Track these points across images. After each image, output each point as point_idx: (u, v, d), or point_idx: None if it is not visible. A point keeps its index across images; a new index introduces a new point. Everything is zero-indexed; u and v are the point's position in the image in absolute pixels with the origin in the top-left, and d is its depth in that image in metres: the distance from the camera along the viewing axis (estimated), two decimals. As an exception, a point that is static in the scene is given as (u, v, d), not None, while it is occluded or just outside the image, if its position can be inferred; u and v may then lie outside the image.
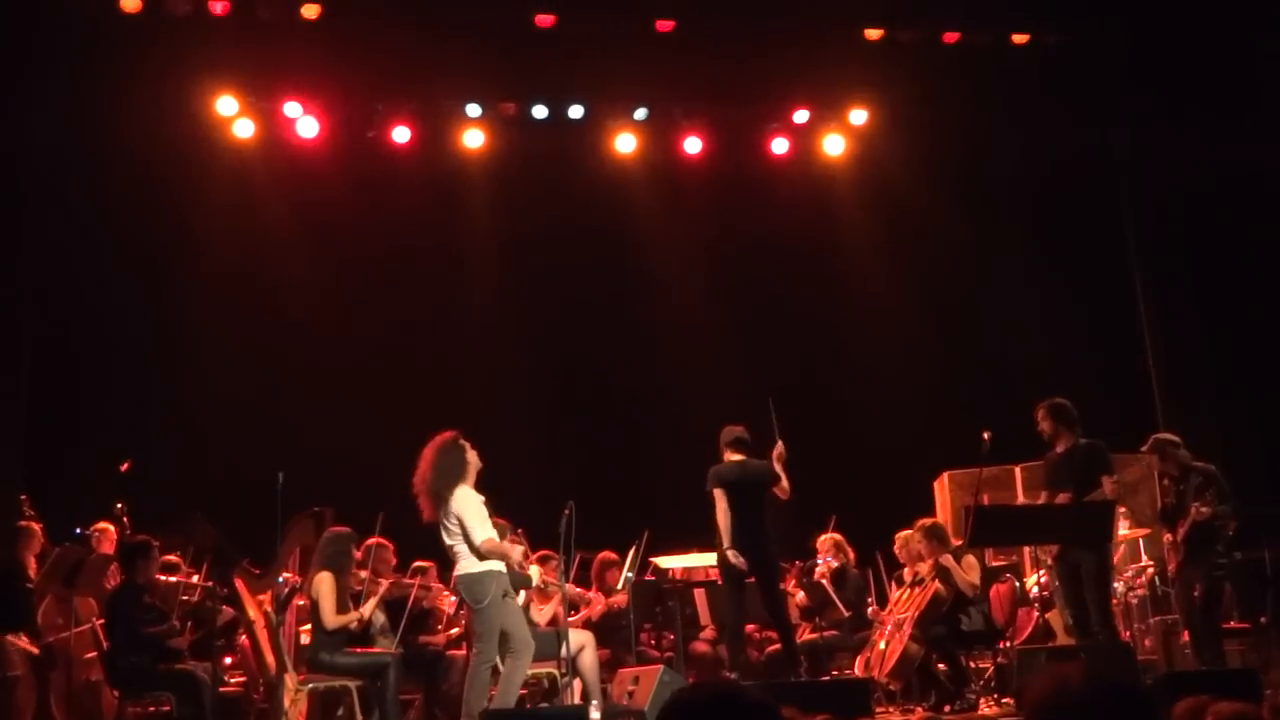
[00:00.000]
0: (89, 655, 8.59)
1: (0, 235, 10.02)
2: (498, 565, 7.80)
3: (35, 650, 8.28)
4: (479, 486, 7.92)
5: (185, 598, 8.78)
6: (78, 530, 9.25)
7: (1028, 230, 12.36)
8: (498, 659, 7.84)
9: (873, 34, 11.71)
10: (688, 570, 9.95)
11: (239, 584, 8.72)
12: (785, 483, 8.97)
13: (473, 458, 7.93)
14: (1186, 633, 9.07)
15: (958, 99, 11.90)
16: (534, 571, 8.81)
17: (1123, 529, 9.70)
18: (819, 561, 10.06)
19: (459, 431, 7.97)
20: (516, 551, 8.08)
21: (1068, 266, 12.12)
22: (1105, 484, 8.57)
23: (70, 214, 10.93)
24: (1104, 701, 2.34)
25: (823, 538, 10.16)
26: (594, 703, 8.44)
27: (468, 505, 7.75)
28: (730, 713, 2.26)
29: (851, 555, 10.12)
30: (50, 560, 8.54)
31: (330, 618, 8.37)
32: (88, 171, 10.96)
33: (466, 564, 7.81)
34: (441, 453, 7.86)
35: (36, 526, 8.62)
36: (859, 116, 12.67)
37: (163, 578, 8.83)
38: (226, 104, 11.65)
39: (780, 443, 9.02)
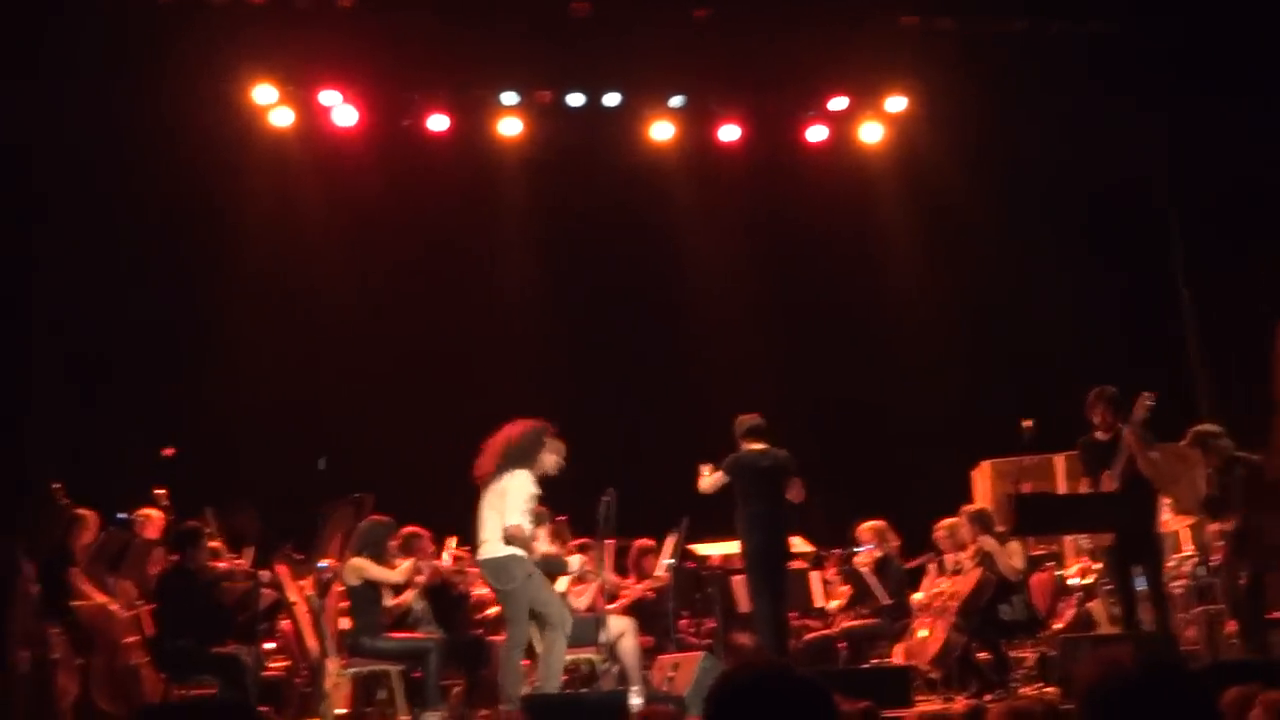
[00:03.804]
0: (130, 639, 8.66)
1: (39, 224, 10.10)
2: (520, 550, 7.87)
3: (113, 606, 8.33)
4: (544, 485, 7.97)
5: (228, 584, 8.84)
6: (120, 515, 9.31)
7: (1068, 218, 12.25)
8: (533, 639, 7.90)
9: (910, 20, 11.63)
10: (726, 557, 9.95)
11: (281, 569, 8.79)
12: (798, 482, 9.01)
13: (551, 454, 7.97)
14: (1232, 623, 9.00)
15: (996, 86, 11.81)
16: (574, 560, 8.84)
17: (1165, 519, 9.63)
18: (859, 549, 10.04)
19: (552, 426, 7.99)
20: (540, 546, 8.14)
21: (1108, 254, 12.01)
22: (1124, 434, 8.47)
23: (108, 202, 11.00)
24: (1157, 684, 2.32)
25: (864, 525, 10.13)
26: (634, 688, 8.45)
27: (518, 488, 7.82)
28: (782, 692, 2.26)
29: (895, 543, 10.08)
30: (95, 545, 8.62)
31: (388, 575, 8.46)
32: (127, 159, 11.01)
33: (491, 548, 7.87)
34: (527, 434, 7.92)
35: (89, 514, 8.66)
36: (897, 104, 12.61)
37: (211, 564, 8.90)
38: (264, 92, 11.70)
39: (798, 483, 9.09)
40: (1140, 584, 8.96)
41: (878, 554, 9.93)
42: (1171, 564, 10.11)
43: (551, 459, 8.04)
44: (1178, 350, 11.64)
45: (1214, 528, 8.94)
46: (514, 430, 7.97)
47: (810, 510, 9.65)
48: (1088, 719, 2.34)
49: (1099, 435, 8.85)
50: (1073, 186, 12.17)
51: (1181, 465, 9.41)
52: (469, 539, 9.23)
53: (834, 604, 10.17)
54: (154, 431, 10.25)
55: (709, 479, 9.18)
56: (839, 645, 9.95)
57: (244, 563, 9.26)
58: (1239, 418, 10.21)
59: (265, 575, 8.92)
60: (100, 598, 8.55)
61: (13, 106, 9.22)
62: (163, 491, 9.39)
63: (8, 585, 7.74)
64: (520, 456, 7.90)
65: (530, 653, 8.16)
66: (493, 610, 9.44)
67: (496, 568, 7.85)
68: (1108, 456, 8.76)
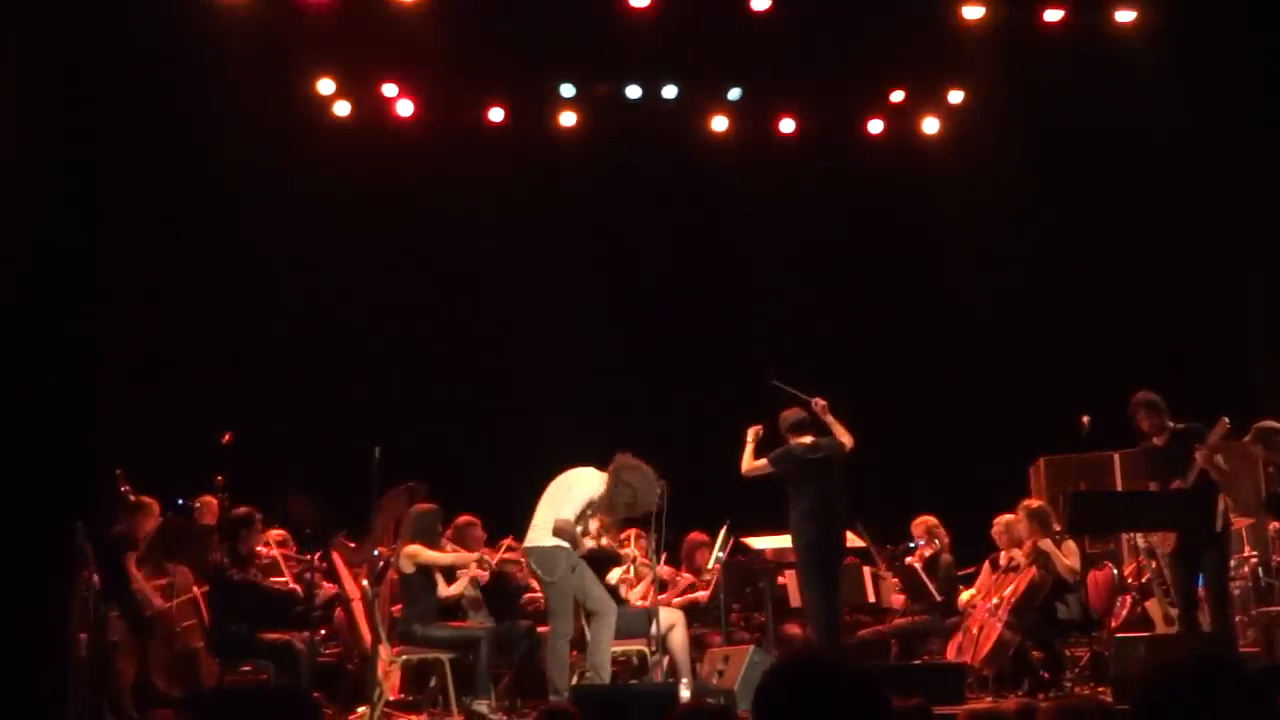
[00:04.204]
0: (188, 624, 8.77)
1: (103, 215, 10.22)
2: (566, 543, 7.93)
3: (154, 605, 8.43)
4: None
5: (286, 567, 8.93)
6: (180, 501, 9.44)
7: (1129, 213, 12.09)
8: (584, 627, 7.94)
9: (971, 13, 11.52)
10: (778, 551, 9.92)
11: (336, 557, 8.87)
12: (845, 435, 8.96)
13: (644, 498, 7.98)
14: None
15: (1057, 79, 11.69)
16: (626, 554, 8.90)
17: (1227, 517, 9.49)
18: (912, 545, 9.98)
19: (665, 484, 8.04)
20: (587, 542, 8.18)
21: (1170, 249, 11.84)
22: (1197, 457, 8.36)
23: (166, 194, 11.11)
24: (1214, 684, 2.29)
25: (916, 521, 10.07)
26: (684, 681, 8.45)
27: (584, 489, 7.88)
28: (831, 685, 2.25)
29: (945, 539, 10.01)
30: (155, 530, 8.73)
31: (439, 558, 8.56)
32: (187, 149, 11.13)
33: (538, 535, 7.94)
34: (640, 477, 7.93)
35: (151, 501, 8.77)
36: (956, 97, 12.50)
37: (263, 550, 8.99)
38: (324, 85, 11.80)
39: (817, 399, 8.96)
40: (1199, 583, 8.85)
41: (929, 551, 9.87)
42: (1231, 564, 9.98)
43: (632, 494, 8.06)
44: (1242, 342, 11.46)
45: (1275, 526, 8.81)
46: (628, 471, 7.98)
47: (864, 505, 9.60)
48: (1143, 718, 2.32)
49: (1155, 442, 8.73)
50: (1135, 180, 12.01)
51: (1243, 464, 9.28)
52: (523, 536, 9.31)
53: (895, 600, 10.12)
54: (213, 418, 10.37)
55: (750, 463, 9.16)
56: (891, 642, 9.90)
57: (308, 557, 9.33)
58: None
59: (321, 564, 8.99)
60: (158, 583, 8.67)
61: (79, 105, 9.34)
62: (221, 479, 9.50)
63: (70, 570, 7.86)
64: (617, 488, 7.95)
65: (580, 644, 8.19)
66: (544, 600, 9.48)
67: (542, 557, 7.92)
68: (1170, 461, 8.65)
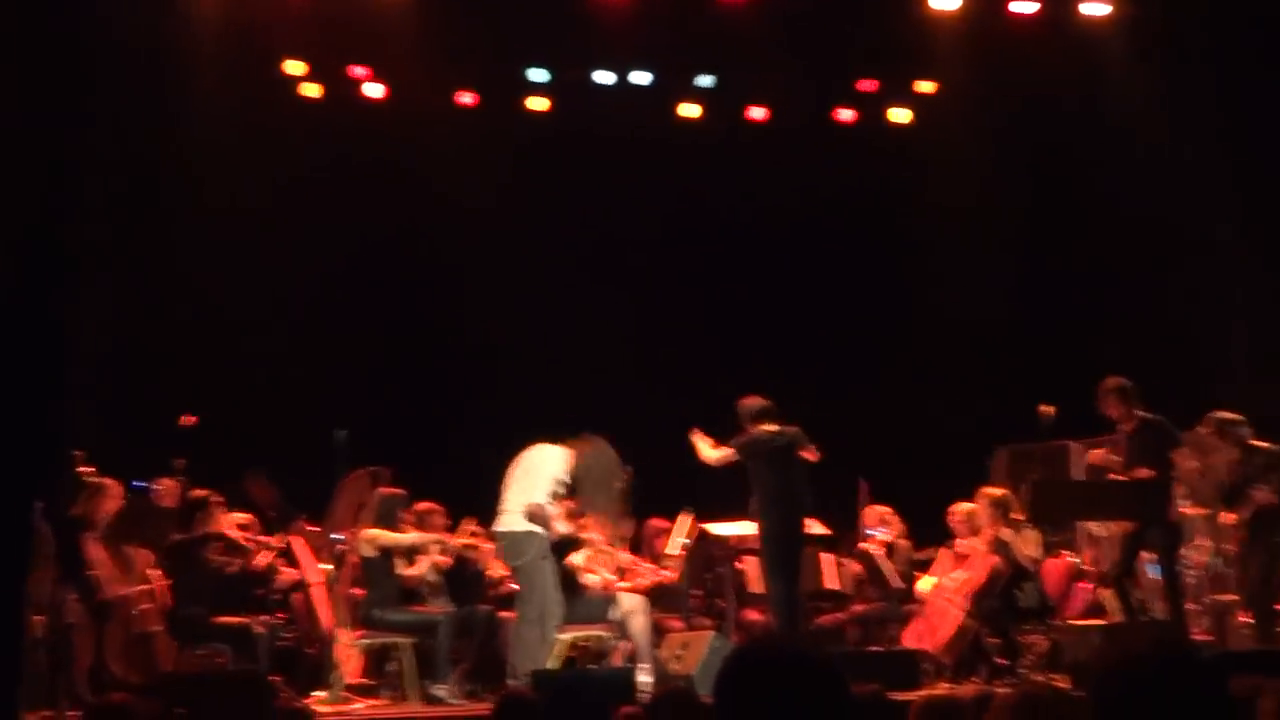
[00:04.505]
0: (145, 607, 8.71)
1: (67, 198, 10.12)
2: (540, 528, 7.89)
3: (112, 592, 8.37)
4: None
5: (246, 545, 8.88)
6: (138, 484, 9.35)
7: (1096, 204, 12.18)
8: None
9: (940, 3, 11.55)
10: (739, 538, 9.95)
11: (296, 540, 8.83)
12: (812, 446, 9.02)
13: (601, 468, 7.97)
14: (1244, 613, 8.98)
15: (1027, 71, 11.75)
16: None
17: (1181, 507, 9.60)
18: (871, 533, 10.04)
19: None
20: (559, 525, 8.16)
21: (1135, 240, 11.93)
22: (1181, 461, 8.48)
23: (132, 170, 11.02)
24: (1170, 672, 2.32)
25: (868, 509, 10.12)
26: (644, 666, 8.47)
27: (548, 468, 7.84)
28: (793, 671, 2.25)
29: (900, 527, 10.07)
30: (113, 513, 8.65)
31: (400, 539, 8.55)
32: (153, 131, 11.05)
33: (510, 520, 7.90)
34: (606, 461, 7.88)
35: (111, 482, 8.70)
36: (926, 87, 12.54)
37: (229, 532, 8.93)
38: (294, 66, 11.71)
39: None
40: (1154, 572, 8.94)
41: (889, 538, 9.93)
42: (1185, 553, 10.09)
43: (604, 471, 8.07)
44: (1206, 334, 11.57)
45: (1230, 518, 8.91)
46: (603, 452, 7.95)
47: (825, 493, 9.63)
48: (1100, 705, 2.34)
49: (1124, 428, 8.80)
50: (1099, 167, 12.09)
51: (1200, 454, 9.39)
52: (486, 520, 9.29)
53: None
54: (174, 400, 10.29)
55: (713, 452, 9.14)
56: (849, 628, 9.96)
57: (268, 539, 9.28)
58: (1262, 402, 10.20)
59: (278, 543, 8.95)
60: (115, 566, 8.60)
61: (42, 85, 9.23)
62: (181, 462, 9.43)
63: (27, 551, 7.77)
64: (589, 479, 7.93)
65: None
66: (505, 587, 9.48)
67: (512, 542, 7.90)
68: (1134, 450, 8.72)
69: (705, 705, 4.94)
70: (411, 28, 11.29)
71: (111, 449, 9.37)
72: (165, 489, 9.36)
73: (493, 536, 8.29)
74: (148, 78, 10.47)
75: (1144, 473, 8.60)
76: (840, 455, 9.29)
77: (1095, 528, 9.08)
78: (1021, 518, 9.14)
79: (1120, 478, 8.89)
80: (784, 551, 9.04)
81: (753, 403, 9.24)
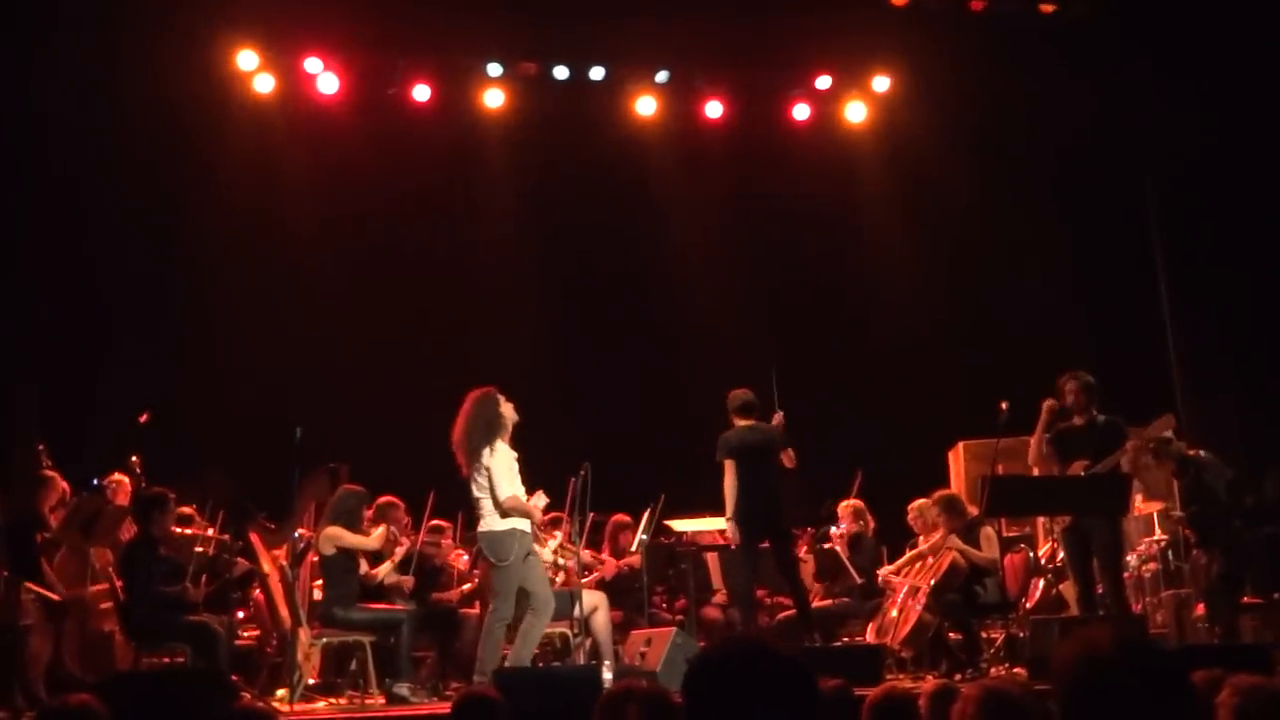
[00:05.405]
0: (104, 606, 8.61)
1: (22, 189, 10.02)
2: (522, 524, 7.84)
3: (57, 597, 8.28)
4: (514, 443, 7.97)
5: (200, 549, 8.78)
6: (95, 481, 9.26)
7: (1050, 201, 12.26)
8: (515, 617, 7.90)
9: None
10: (699, 534, 9.96)
11: (254, 538, 8.76)
12: (790, 450, 9.03)
13: (508, 412, 7.99)
14: (1200, 606, 9.07)
15: (982, 67, 11.82)
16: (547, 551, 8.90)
17: (1136, 503, 9.69)
18: (833, 528, 10.07)
19: (495, 387, 8.00)
20: (539, 512, 8.13)
21: (1089, 238, 12.04)
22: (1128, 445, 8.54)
23: (90, 169, 10.91)
24: (1137, 667, 2.33)
25: (844, 503, 10.15)
26: (606, 663, 8.47)
27: (498, 460, 7.81)
28: (762, 669, 2.25)
29: (871, 523, 10.11)
30: (68, 511, 8.56)
31: (363, 542, 8.55)
32: (108, 126, 10.95)
33: (490, 520, 7.85)
34: (478, 407, 7.91)
35: (57, 475, 8.62)
36: (882, 83, 12.62)
37: (177, 530, 8.84)
38: (247, 58, 11.62)
39: (780, 413, 9.05)
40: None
41: (852, 530, 9.96)
42: (1142, 548, 10.18)
43: (510, 416, 8.03)
44: (1158, 331, 11.67)
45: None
46: (465, 414, 7.93)
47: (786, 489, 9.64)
48: (1065, 699, 2.35)
49: (1076, 421, 8.82)
50: (1055, 169, 12.18)
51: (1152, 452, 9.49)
52: (445, 512, 9.25)
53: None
54: (131, 396, 10.18)
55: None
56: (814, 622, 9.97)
57: (215, 530, 9.22)
58: (1215, 397, 10.33)
59: (236, 544, 8.87)
60: (74, 565, 8.50)
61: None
62: (136, 458, 9.34)
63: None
64: (486, 429, 7.88)
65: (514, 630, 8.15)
66: (468, 585, 9.44)
67: (494, 541, 7.84)
68: (1080, 443, 8.75)
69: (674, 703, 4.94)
70: (365, 18, 11.21)
71: (66, 446, 9.27)
72: (118, 485, 9.27)
73: (479, 537, 8.18)
74: (90, 57, 10.35)
75: (1078, 467, 8.65)
76: (800, 450, 9.29)
77: (1053, 523, 9.13)
78: (976, 513, 9.18)
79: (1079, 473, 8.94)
80: (745, 541, 9.02)
81: (737, 395, 9.25)
